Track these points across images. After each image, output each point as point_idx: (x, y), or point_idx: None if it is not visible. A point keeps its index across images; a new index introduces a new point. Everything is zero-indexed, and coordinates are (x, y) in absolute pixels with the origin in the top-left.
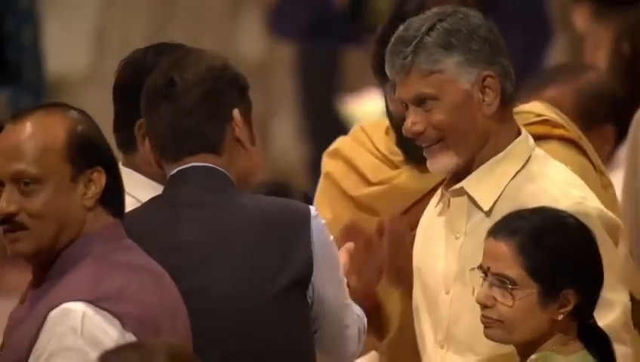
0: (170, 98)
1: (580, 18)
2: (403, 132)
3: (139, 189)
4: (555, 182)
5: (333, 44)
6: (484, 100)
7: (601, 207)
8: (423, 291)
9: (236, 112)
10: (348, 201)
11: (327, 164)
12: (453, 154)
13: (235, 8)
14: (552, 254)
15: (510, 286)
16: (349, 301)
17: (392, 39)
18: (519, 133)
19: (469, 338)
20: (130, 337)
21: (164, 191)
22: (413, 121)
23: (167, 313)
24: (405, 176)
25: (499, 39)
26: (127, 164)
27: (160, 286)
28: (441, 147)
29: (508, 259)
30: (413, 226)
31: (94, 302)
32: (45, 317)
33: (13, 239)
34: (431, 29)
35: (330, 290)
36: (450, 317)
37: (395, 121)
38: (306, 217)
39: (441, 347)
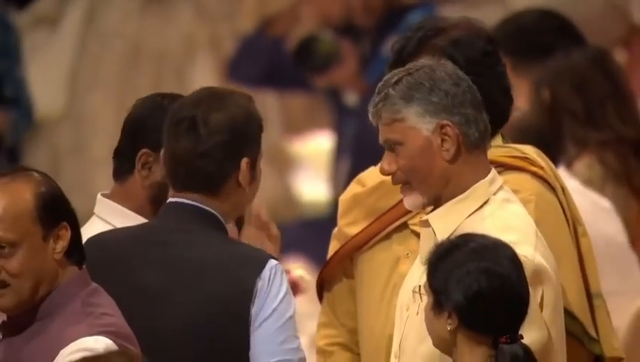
0: (191, 137)
1: None
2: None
3: (118, 218)
4: (496, 224)
5: (285, 88)
6: (442, 146)
7: (529, 253)
8: (400, 306)
9: (244, 163)
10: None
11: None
12: (418, 195)
13: (192, 56)
14: (443, 275)
15: (424, 293)
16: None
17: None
18: (486, 175)
19: (411, 352)
20: None
21: (155, 217)
22: (386, 163)
23: (136, 342)
24: None
25: (465, 92)
26: (114, 195)
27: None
28: (408, 188)
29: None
30: (402, 215)
31: (100, 334)
32: (55, 355)
33: None
34: (397, 82)
35: (276, 342)
36: (404, 332)
37: None
38: (259, 266)
39: (396, 357)
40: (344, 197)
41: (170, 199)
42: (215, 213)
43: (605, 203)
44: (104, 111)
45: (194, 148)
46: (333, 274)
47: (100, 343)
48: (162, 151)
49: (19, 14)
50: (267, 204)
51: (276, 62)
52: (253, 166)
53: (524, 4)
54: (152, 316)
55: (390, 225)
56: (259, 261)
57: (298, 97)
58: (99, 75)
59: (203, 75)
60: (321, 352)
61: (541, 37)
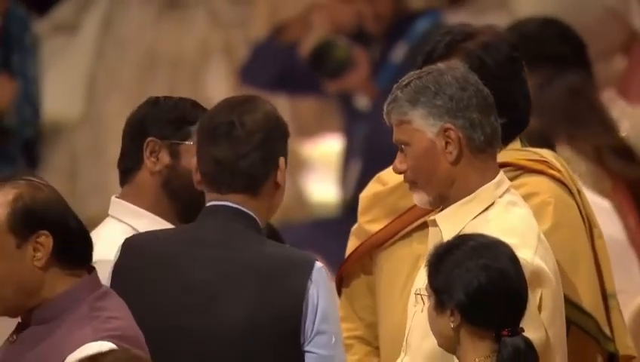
0: (230, 140)
1: None
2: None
3: (132, 218)
4: (499, 227)
5: (297, 93)
6: (446, 149)
7: (528, 256)
8: (410, 303)
9: (282, 161)
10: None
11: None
12: (424, 193)
13: (207, 61)
14: (444, 275)
15: (425, 294)
16: (344, 358)
17: None
18: (493, 178)
19: (415, 347)
20: None
21: (196, 221)
22: (398, 162)
23: (144, 344)
24: None
25: (472, 96)
26: (125, 196)
27: (134, 322)
28: (416, 186)
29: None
30: (422, 215)
31: (105, 338)
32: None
33: None
34: (406, 85)
35: (321, 343)
36: (411, 328)
37: None
38: (308, 269)
39: (403, 351)
40: (365, 195)
41: (212, 202)
42: (254, 216)
43: (605, 203)
44: (121, 115)
45: (235, 150)
46: (353, 270)
47: (105, 349)
48: (194, 160)
49: (39, 21)
50: None
51: (288, 67)
52: (286, 163)
53: (528, 11)
54: (204, 313)
55: (411, 224)
56: (307, 263)
57: (309, 101)
58: (116, 81)
59: (217, 81)
60: None
61: (543, 45)
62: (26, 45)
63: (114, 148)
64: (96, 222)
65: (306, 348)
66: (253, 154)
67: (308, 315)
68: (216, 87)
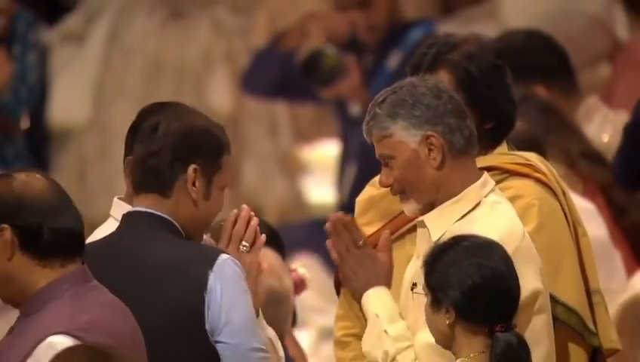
0: (149, 140)
1: None
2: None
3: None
4: (485, 226)
5: (296, 99)
6: (430, 156)
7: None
8: (405, 294)
9: (191, 169)
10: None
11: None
12: (413, 202)
13: (209, 69)
14: (439, 274)
15: (419, 292)
16: (257, 344)
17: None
18: (477, 179)
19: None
20: None
21: (117, 228)
22: (384, 177)
23: (130, 342)
24: None
25: (447, 103)
26: (128, 197)
27: (124, 319)
28: (405, 196)
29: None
30: (413, 218)
31: (70, 332)
32: (33, 348)
33: None
34: (382, 101)
35: (230, 332)
36: (413, 321)
37: None
38: (211, 261)
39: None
40: (360, 199)
41: (130, 209)
42: (169, 218)
43: (589, 205)
44: (127, 121)
45: (147, 148)
46: None
47: (67, 343)
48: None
49: (48, 32)
50: (279, 206)
51: (287, 75)
52: (206, 177)
53: (516, 21)
54: None
55: (403, 226)
56: (210, 256)
57: (308, 108)
58: (122, 88)
59: (220, 87)
60: (338, 343)
61: (530, 56)
62: (28, 40)
63: (120, 152)
64: (104, 221)
65: (217, 338)
66: (160, 153)
67: (211, 305)
68: (219, 94)
